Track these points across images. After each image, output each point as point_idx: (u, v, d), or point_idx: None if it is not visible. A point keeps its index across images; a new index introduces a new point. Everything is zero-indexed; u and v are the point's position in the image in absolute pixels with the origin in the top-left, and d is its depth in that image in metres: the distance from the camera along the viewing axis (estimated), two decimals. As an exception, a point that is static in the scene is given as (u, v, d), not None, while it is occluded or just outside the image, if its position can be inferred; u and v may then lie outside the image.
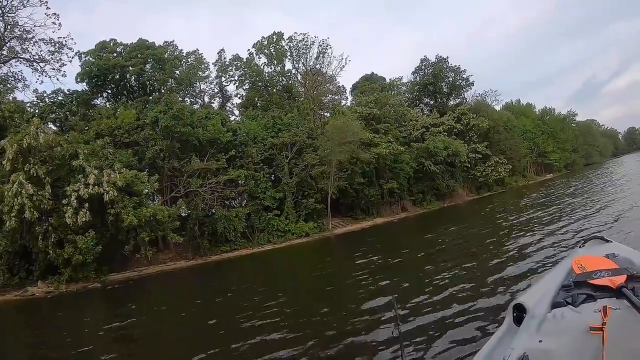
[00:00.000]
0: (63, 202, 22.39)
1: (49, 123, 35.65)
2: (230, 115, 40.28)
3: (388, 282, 10.80)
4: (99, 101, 37.59)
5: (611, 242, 2.73)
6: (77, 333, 10.59)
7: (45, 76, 30.75)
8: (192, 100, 39.56)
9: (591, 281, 1.92)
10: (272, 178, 32.08)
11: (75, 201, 22.07)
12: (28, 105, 34.39)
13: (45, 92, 35.32)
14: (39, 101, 35.67)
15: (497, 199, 39.45)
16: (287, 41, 40.06)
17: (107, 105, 35.91)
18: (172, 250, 26.91)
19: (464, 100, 53.15)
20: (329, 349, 6.38)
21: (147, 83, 36.74)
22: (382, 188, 36.78)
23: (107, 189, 22.39)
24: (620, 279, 1.81)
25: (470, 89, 53.85)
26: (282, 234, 29.70)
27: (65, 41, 30.01)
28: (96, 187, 22.55)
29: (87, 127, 29.53)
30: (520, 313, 2.01)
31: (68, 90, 36.09)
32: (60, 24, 28.48)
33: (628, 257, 2.19)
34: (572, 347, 1.55)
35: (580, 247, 2.91)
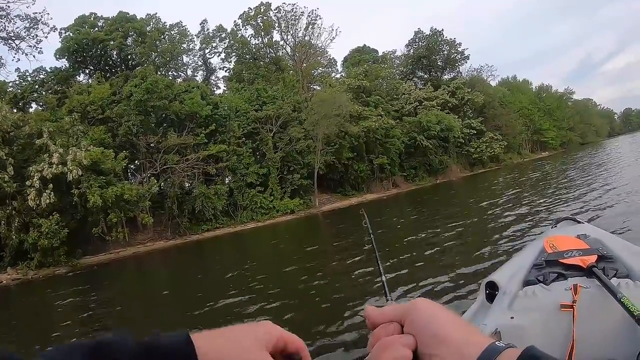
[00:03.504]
0: (27, 183, 19.83)
1: (31, 102, 33.12)
2: (215, 89, 37.02)
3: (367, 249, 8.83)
4: (80, 78, 34.62)
5: (583, 223, 2.52)
6: None
7: (22, 54, 27.54)
8: (176, 74, 36.23)
9: (562, 260, 1.78)
10: (257, 154, 29.10)
11: (38, 182, 19.61)
12: (10, 85, 31.79)
13: (27, 71, 32.50)
14: (21, 81, 32.98)
15: (492, 175, 36.37)
16: (275, 11, 36.33)
17: (90, 82, 32.88)
18: (150, 230, 24.42)
19: (459, 75, 49.25)
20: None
21: (129, 57, 33.45)
22: (372, 163, 33.76)
23: (70, 167, 19.68)
24: (591, 259, 1.70)
25: (466, 62, 50.05)
26: (266, 211, 27.04)
27: (41, 16, 26.71)
28: (60, 166, 19.90)
29: (59, 105, 26.50)
30: (492, 290, 1.86)
31: (50, 68, 33.22)
32: (34, -1, 25.15)
33: (598, 238, 2.01)
34: (543, 323, 1.50)
35: (552, 227, 2.67)
